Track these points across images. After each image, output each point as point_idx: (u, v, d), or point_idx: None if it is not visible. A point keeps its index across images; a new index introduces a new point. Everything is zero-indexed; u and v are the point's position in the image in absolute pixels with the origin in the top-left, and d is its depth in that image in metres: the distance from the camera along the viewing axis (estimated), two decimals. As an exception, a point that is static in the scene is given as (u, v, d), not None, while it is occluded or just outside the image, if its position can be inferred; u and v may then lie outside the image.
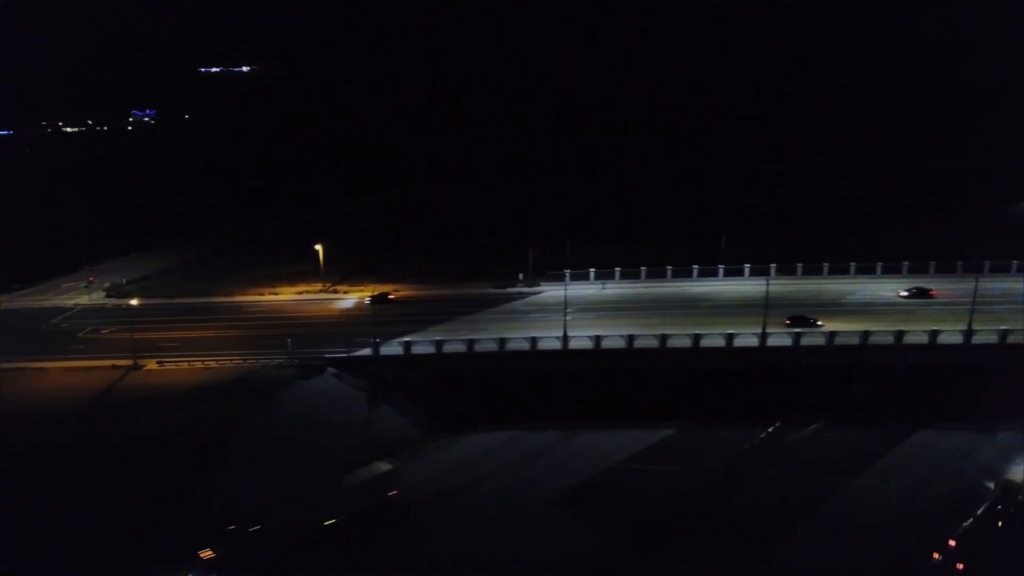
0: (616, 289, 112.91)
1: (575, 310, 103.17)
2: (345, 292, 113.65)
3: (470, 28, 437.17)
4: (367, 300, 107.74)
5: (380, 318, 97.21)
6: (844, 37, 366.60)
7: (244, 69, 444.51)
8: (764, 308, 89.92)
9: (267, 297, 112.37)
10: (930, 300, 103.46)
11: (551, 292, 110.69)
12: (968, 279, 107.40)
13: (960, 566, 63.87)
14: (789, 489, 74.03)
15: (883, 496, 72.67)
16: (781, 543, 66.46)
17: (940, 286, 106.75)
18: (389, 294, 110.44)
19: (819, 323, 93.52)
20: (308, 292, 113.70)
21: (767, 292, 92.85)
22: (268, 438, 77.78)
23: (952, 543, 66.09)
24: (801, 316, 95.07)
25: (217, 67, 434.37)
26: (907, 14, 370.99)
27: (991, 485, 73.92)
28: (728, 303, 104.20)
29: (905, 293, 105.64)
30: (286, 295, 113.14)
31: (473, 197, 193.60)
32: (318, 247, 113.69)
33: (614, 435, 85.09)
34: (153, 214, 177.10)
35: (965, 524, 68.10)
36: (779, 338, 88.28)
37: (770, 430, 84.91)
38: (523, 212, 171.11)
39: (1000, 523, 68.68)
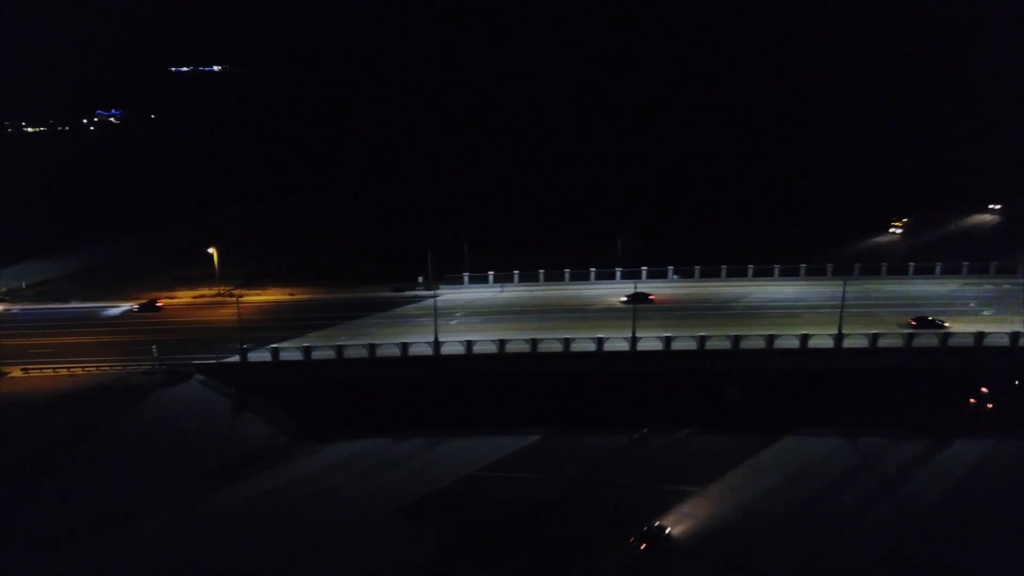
0: (514, 292, 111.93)
1: (467, 314, 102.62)
2: (116, 302, 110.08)
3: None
4: (135, 308, 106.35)
5: (257, 323, 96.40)
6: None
7: (216, 68, 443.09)
8: (633, 312, 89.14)
9: (163, 301, 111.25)
10: (649, 305, 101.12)
11: (449, 296, 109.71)
12: (867, 281, 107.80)
13: (990, 406, 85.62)
14: (640, 496, 73.12)
15: (729, 503, 71.79)
16: (610, 552, 65.60)
17: (828, 289, 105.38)
18: (157, 302, 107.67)
19: (946, 324, 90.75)
20: (205, 296, 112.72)
21: (634, 294, 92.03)
22: (123, 447, 76.83)
23: (984, 390, 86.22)
24: (926, 317, 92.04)
25: (188, 66, 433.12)
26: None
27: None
28: (621, 306, 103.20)
29: (624, 299, 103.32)
30: (183, 299, 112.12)
31: (404, 198, 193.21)
32: (211, 250, 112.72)
33: (479, 442, 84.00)
34: (90, 215, 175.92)
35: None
36: (649, 343, 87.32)
37: (635, 436, 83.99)
38: (440, 214, 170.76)
39: (1017, 382, 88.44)
